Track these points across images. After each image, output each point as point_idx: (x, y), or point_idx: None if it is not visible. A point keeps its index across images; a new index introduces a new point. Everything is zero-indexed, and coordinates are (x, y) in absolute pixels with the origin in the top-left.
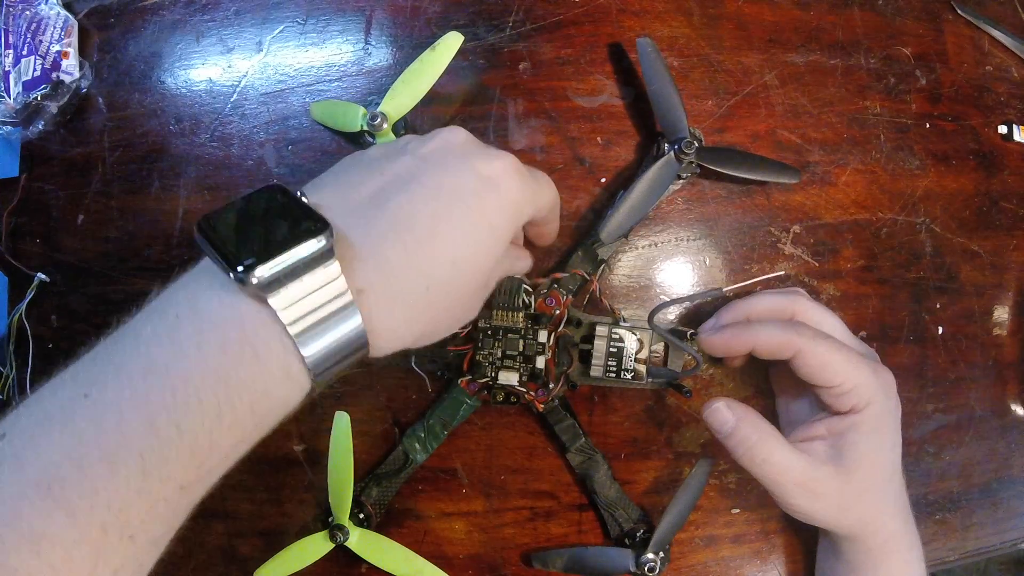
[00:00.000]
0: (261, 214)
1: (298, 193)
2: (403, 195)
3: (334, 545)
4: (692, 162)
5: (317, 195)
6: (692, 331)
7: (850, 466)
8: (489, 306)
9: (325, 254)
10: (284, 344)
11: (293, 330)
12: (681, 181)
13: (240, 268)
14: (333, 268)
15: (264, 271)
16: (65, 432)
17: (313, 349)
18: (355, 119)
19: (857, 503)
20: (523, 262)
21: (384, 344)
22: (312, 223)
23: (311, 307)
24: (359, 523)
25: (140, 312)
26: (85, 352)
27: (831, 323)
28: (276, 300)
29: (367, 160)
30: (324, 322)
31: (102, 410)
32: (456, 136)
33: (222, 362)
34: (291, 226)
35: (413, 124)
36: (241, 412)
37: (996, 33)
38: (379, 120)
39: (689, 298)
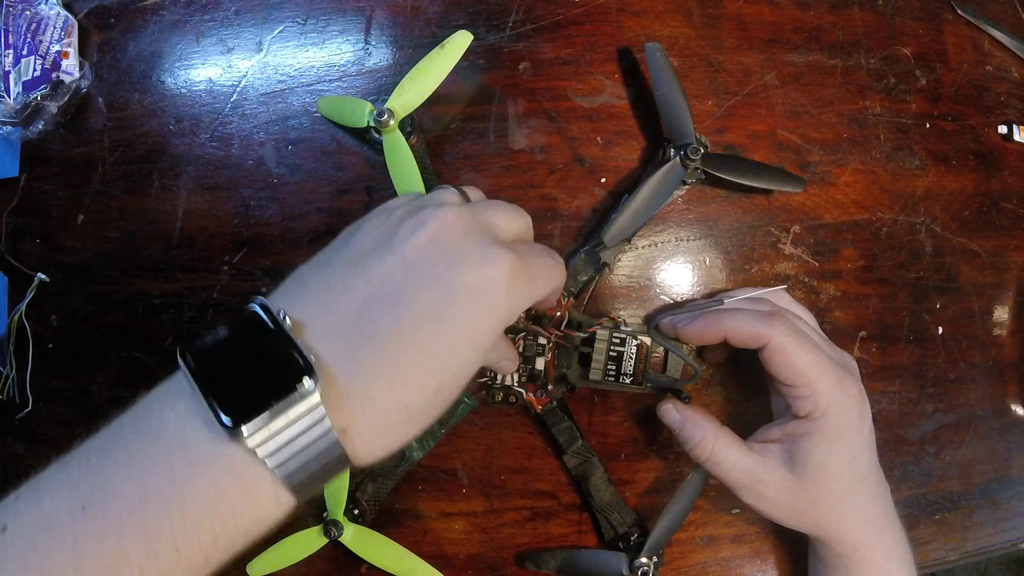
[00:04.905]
0: (245, 353)
1: (281, 314)
2: (388, 318)
3: (327, 540)
4: (698, 168)
5: (300, 306)
6: (695, 372)
7: (802, 473)
8: None
9: (310, 399)
10: (274, 480)
11: (281, 472)
12: (686, 187)
13: (228, 423)
14: (318, 412)
15: (250, 428)
16: (67, 542)
17: (299, 480)
18: (361, 115)
19: (811, 510)
20: (507, 363)
21: (363, 462)
22: (297, 366)
23: (298, 448)
24: (353, 519)
25: (129, 415)
26: (78, 449)
27: (806, 323)
28: (264, 448)
29: (353, 256)
30: (310, 459)
31: (102, 528)
32: (448, 223)
33: (218, 498)
34: (276, 374)
35: (419, 122)
36: (235, 536)
37: (996, 33)
38: (385, 117)
39: (689, 308)
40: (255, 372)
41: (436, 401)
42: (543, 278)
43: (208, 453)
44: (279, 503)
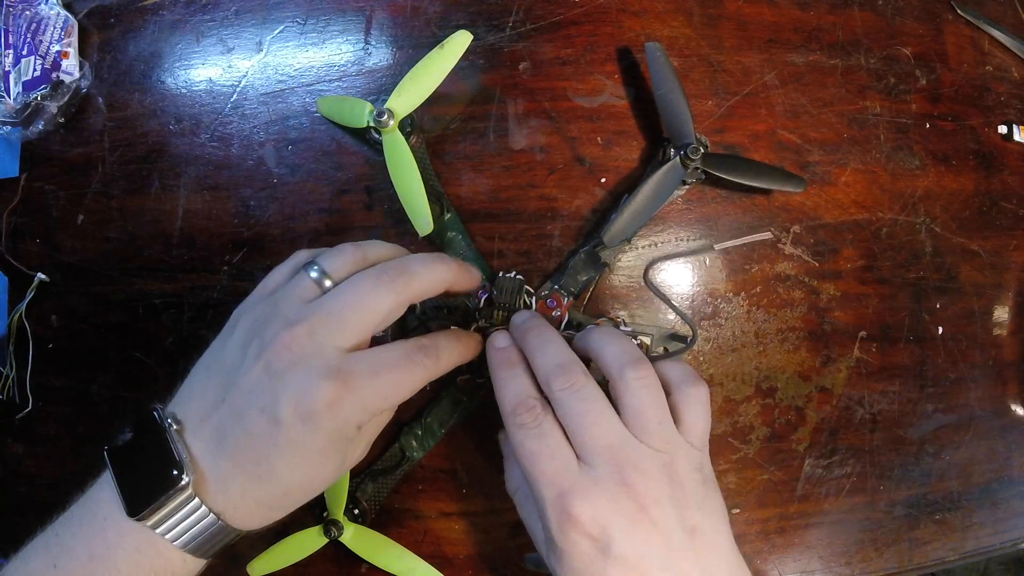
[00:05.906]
0: (142, 452)
1: (168, 419)
2: (236, 433)
3: (327, 540)
4: (698, 168)
5: (185, 409)
6: (691, 336)
7: None
8: (491, 305)
9: (189, 495)
10: (176, 548)
11: (179, 543)
12: (686, 187)
13: (133, 514)
14: (196, 502)
15: (145, 516)
16: None
17: (197, 547)
18: (361, 115)
19: None
20: (468, 352)
21: (256, 528)
22: (177, 463)
23: (188, 525)
24: (353, 519)
25: (82, 497)
26: (52, 525)
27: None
28: (161, 527)
29: (225, 368)
30: (200, 532)
31: None
32: (279, 351)
33: (140, 559)
34: (162, 470)
35: (419, 122)
36: None
37: (996, 33)
38: (385, 117)
39: (681, 254)
40: (148, 468)
41: (290, 500)
42: (381, 390)
43: (127, 528)
44: (187, 561)
